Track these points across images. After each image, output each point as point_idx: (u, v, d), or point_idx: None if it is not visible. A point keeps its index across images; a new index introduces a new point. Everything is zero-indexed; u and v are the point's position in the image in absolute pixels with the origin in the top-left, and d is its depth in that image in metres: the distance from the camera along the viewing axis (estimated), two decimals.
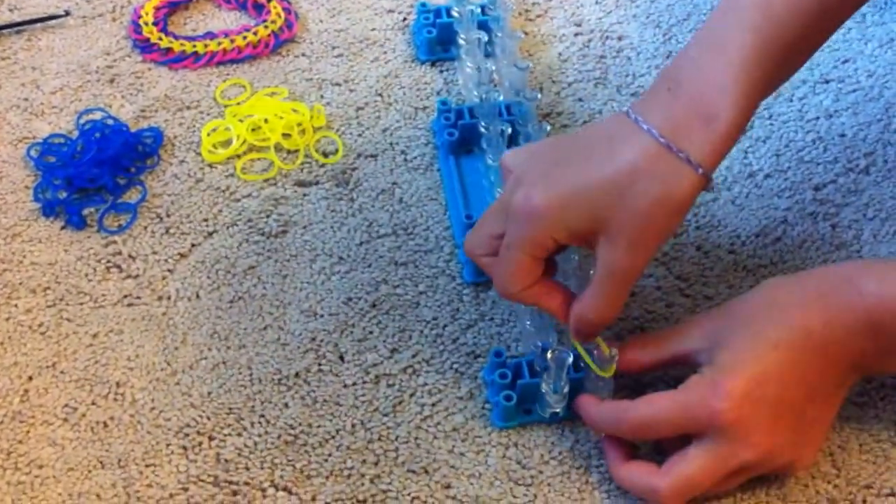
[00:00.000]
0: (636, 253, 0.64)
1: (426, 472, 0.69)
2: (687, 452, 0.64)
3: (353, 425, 0.71)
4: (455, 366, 0.74)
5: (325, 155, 0.85)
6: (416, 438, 0.70)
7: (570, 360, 0.69)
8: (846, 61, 0.90)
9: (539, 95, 0.83)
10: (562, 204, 0.64)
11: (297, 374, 0.73)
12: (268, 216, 0.81)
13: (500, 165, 0.70)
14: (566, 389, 0.70)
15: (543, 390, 0.70)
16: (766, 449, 0.64)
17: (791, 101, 0.88)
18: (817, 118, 0.86)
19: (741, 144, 0.85)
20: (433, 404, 0.72)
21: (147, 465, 0.69)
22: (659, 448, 0.68)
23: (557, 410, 0.71)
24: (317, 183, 0.83)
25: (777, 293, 0.66)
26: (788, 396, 0.64)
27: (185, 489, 0.68)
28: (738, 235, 0.80)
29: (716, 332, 0.66)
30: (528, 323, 0.73)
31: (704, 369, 0.65)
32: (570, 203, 0.64)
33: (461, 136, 0.83)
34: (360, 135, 0.86)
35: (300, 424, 0.71)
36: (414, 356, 0.74)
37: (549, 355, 0.69)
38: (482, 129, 0.81)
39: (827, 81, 0.89)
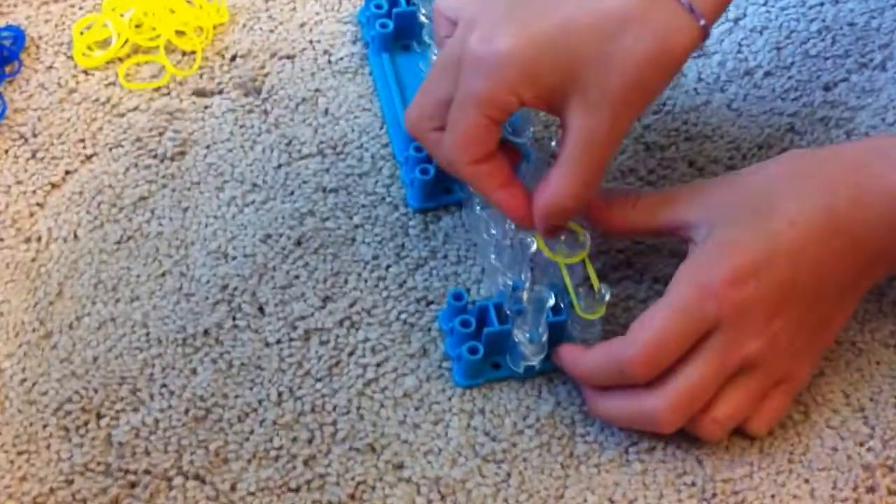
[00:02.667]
0: (619, 119, 0.62)
1: (373, 449, 0.67)
2: (684, 360, 0.63)
3: (280, 394, 0.68)
4: (403, 316, 0.71)
5: (231, 58, 0.81)
6: (358, 408, 0.68)
7: (552, 300, 0.67)
8: None
9: None
10: (532, 48, 0.61)
11: (206, 332, 0.70)
12: (161, 134, 0.77)
13: (433, 15, 0.67)
14: (545, 338, 0.67)
15: (517, 339, 0.67)
16: (769, 339, 0.63)
17: None
18: (822, 4, 0.83)
19: (734, 35, 0.82)
20: (378, 365, 0.69)
21: (19, 453, 0.66)
22: None
23: (534, 364, 0.68)
24: (220, 92, 0.80)
25: (800, 164, 0.65)
26: (799, 281, 0.63)
27: (70, 482, 0.65)
28: (737, 147, 0.77)
29: (720, 205, 0.65)
30: (494, 257, 0.69)
31: (701, 247, 0.64)
32: (543, 48, 0.61)
33: (396, 27, 0.79)
34: (271, 31, 0.82)
35: (213, 395, 0.68)
36: (351, 305, 0.71)
37: (524, 296, 0.67)
38: (422, 18, 0.77)
39: None
